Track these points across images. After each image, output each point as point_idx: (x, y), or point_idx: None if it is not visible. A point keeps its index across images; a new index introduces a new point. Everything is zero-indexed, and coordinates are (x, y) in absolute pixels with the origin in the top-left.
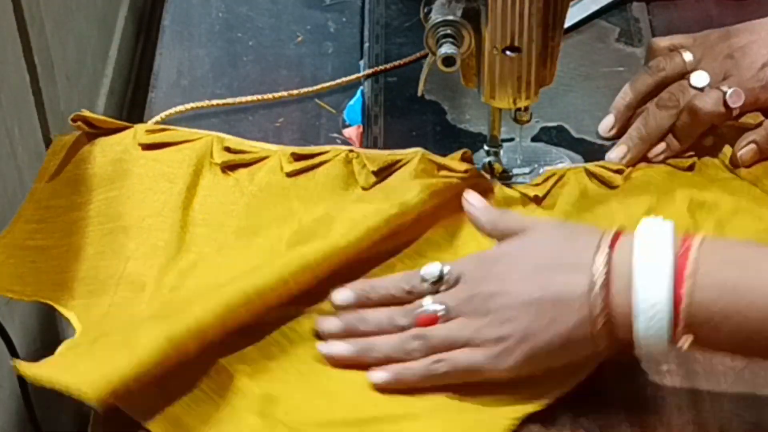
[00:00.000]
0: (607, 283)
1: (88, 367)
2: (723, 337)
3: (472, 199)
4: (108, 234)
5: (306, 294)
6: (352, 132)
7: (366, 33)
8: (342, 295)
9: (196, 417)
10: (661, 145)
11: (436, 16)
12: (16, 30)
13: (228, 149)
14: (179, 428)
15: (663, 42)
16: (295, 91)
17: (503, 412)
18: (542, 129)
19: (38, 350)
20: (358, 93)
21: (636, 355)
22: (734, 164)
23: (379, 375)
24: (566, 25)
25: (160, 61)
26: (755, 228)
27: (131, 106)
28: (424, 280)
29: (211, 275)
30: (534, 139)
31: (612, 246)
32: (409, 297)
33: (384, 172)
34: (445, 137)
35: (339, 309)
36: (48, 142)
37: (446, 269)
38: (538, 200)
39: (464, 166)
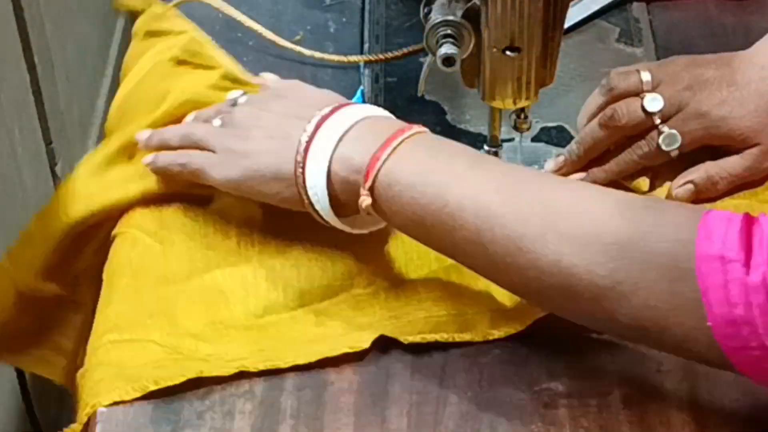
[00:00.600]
0: (310, 140)
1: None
2: (400, 210)
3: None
4: None
5: None
6: None
7: (366, 33)
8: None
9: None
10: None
11: (436, 16)
12: (16, 30)
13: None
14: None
15: (623, 69)
16: None
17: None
18: (542, 129)
19: None
20: (358, 93)
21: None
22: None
23: (146, 158)
24: (566, 25)
25: None
26: None
27: None
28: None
29: None
30: (534, 139)
31: (335, 111)
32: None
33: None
34: (445, 137)
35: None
36: (48, 142)
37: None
38: None
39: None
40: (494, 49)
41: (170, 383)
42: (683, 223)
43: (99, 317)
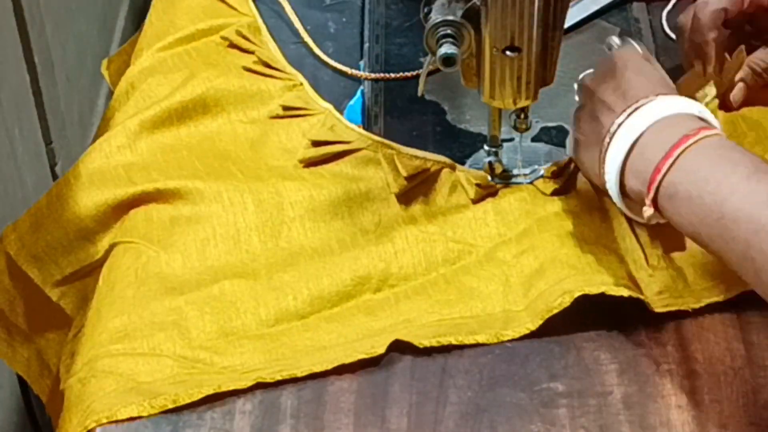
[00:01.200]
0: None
1: None
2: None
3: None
4: None
5: None
6: None
7: (366, 33)
8: None
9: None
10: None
11: (436, 16)
12: (16, 30)
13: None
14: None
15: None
16: None
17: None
18: (542, 129)
19: None
20: (358, 93)
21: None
22: (727, 108)
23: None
24: (566, 25)
25: None
26: None
27: None
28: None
29: None
30: (534, 139)
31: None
32: None
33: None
34: (445, 137)
35: None
36: (48, 142)
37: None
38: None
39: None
40: (494, 49)
41: (189, 400)
42: None
43: (100, 326)
